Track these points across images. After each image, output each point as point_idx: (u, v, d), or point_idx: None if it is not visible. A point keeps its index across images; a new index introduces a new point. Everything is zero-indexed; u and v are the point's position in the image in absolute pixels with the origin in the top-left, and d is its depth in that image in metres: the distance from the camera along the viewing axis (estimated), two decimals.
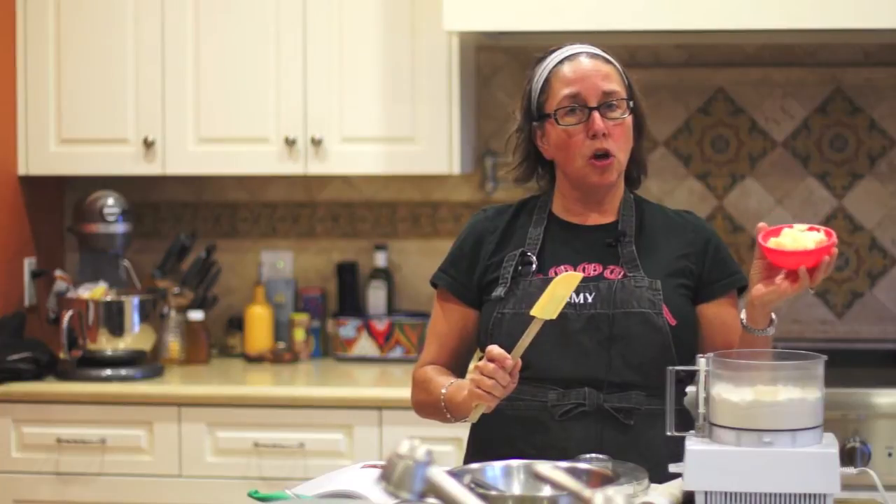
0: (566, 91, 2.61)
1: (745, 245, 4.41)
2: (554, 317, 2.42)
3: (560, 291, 2.41)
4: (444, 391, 2.62)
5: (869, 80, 4.37)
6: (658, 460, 2.40)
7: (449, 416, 2.63)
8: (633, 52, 4.34)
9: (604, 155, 2.61)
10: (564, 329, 2.55)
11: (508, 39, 4.24)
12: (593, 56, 2.65)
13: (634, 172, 2.75)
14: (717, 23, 3.83)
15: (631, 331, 2.58)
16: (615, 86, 2.63)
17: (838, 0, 3.77)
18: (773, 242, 2.45)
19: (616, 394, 2.58)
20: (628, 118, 2.65)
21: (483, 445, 2.65)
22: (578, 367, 2.58)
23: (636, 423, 2.58)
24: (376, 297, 4.46)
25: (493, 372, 2.43)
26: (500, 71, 4.47)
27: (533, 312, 2.42)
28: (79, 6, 4.24)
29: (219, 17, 4.20)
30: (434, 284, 2.78)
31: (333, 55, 4.17)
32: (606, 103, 2.61)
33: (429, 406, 2.70)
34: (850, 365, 3.93)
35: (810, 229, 2.46)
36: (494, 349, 2.44)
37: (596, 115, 2.60)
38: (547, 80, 2.64)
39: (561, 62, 2.64)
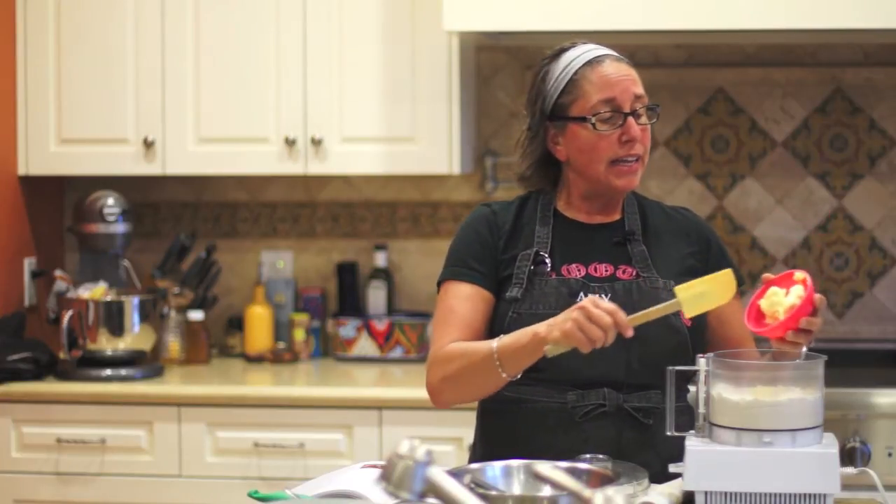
0: (602, 96, 2.59)
1: (744, 245, 4.40)
2: (688, 315, 2.42)
3: (712, 291, 2.38)
4: (495, 344, 2.48)
5: (869, 80, 4.37)
6: (673, 459, 2.39)
7: (500, 369, 2.48)
8: (633, 52, 4.33)
9: (633, 159, 2.61)
10: None
11: (508, 39, 4.24)
12: (619, 60, 2.64)
13: None
14: (717, 23, 3.83)
15: (649, 332, 2.52)
16: (642, 90, 2.63)
17: (838, 0, 3.77)
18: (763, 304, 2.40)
19: (636, 394, 2.57)
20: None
21: (494, 445, 2.61)
22: (597, 368, 2.55)
23: (653, 422, 2.57)
24: (376, 297, 4.46)
25: (599, 318, 2.33)
26: (500, 71, 4.46)
27: (677, 289, 2.38)
28: (79, 6, 4.24)
29: (219, 18, 4.20)
30: (440, 282, 2.68)
31: (333, 55, 4.17)
32: (637, 109, 2.60)
33: (464, 373, 2.54)
34: (850, 365, 3.93)
35: (786, 278, 2.39)
36: (609, 303, 2.35)
37: (631, 120, 2.59)
38: (573, 82, 2.60)
39: (588, 64, 2.61)
